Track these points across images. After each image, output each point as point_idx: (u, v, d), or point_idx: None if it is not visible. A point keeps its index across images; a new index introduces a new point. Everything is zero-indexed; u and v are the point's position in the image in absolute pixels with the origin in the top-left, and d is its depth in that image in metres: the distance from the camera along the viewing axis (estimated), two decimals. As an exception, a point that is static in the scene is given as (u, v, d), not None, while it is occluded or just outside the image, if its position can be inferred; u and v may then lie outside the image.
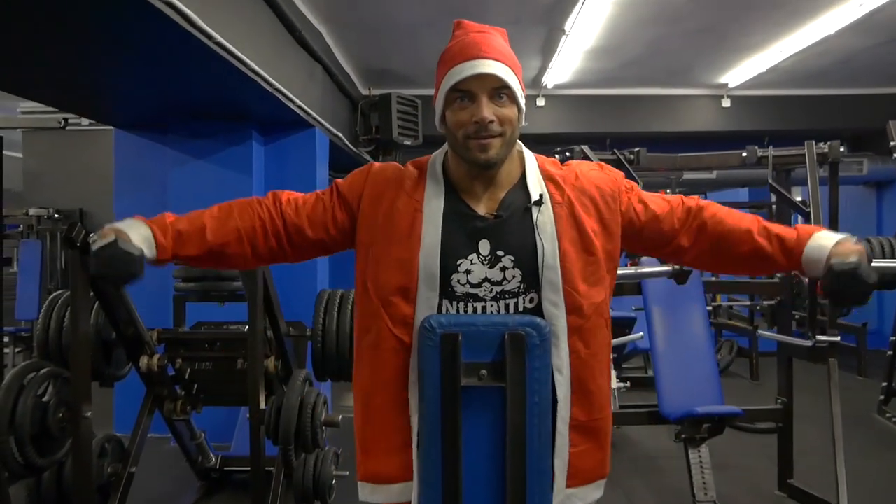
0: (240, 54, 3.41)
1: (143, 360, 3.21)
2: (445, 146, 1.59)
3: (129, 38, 3.15)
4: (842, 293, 1.45)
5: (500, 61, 1.45)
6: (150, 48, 3.30)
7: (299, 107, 4.68)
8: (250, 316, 3.05)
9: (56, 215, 7.75)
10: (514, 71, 1.47)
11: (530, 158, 1.58)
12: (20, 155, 8.03)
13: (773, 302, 6.79)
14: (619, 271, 3.41)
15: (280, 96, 4.24)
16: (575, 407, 1.49)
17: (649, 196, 1.63)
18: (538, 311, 1.48)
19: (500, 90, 1.45)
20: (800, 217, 3.90)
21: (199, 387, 3.51)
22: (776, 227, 1.57)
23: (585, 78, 7.45)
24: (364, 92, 7.39)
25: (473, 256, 1.48)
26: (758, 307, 7.36)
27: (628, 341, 3.92)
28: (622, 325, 4.50)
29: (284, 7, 4.15)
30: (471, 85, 1.44)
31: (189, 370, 3.43)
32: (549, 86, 7.61)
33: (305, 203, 1.60)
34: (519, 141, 1.57)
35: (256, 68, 3.65)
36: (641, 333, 3.94)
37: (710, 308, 6.25)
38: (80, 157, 7.76)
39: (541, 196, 1.51)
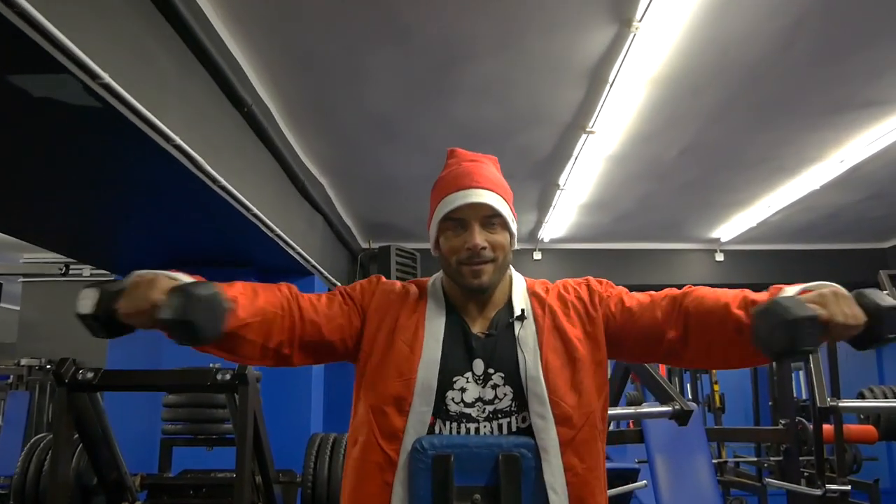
0: (242, 198, 3.51)
1: (124, 508, 3.07)
2: (441, 272, 1.61)
3: (137, 181, 3.27)
4: (763, 333, 1.22)
5: (492, 190, 1.50)
6: (156, 191, 3.40)
7: (299, 253, 4.76)
8: (238, 459, 2.94)
9: (48, 366, 7.63)
10: (504, 198, 1.52)
11: (518, 279, 1.61)
12: (17, 307, 8.06)
13: (780, 458, 6.58)
14: (618, 410, 3.36)
15: (280, 242, 4.32)
16: None
17: (631, 294, 1.56)
18: (530, 431, 1.43)
19: (491, 218, 1.49)
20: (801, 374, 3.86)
21: (181, 537, 3.33)
22: (756, 296, 1.37)
23: (581, 232, 7.63)
24: (364, 245, 7.54)
25: (469, 375, 1.47)
26: (765, 465, 7.14)
27: (632, 489, 3.77)
28: (625, 477, 4.33)
29: (288, 157, 4.32)
30: (463, 213, 1.49)
31: (171, 519, 3.27)
32: (546, 240, 7.77)
33: (320, 301, 1.51)
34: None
35: (258, 213, 3.75)
36: (645, 482, 3.81)
37: (715, 462, 6.06)
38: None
39: (522, 311, 1.52)
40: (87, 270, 7.31)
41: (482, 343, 1.49)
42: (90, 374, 2.72)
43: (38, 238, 4.63)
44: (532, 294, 1.57)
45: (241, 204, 3.57)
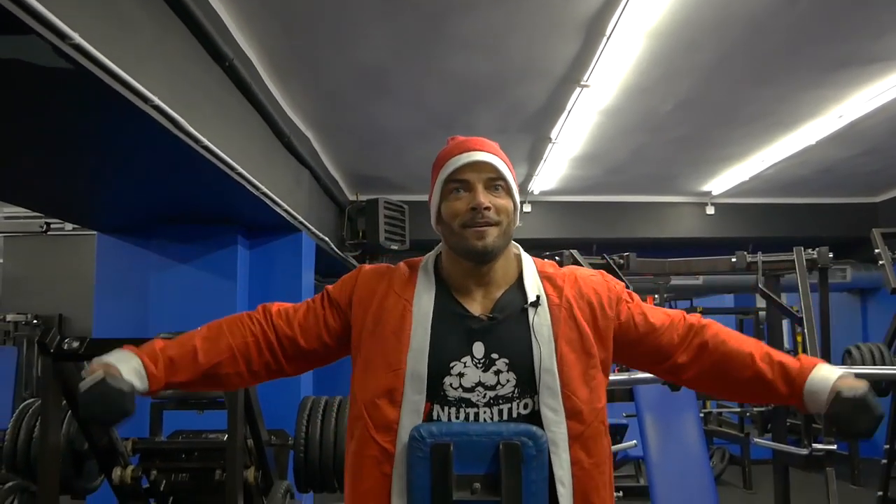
0: (226, 157, 3.40)
1: (117, 472, 3.05)
2: (438, 248, 1.56)
3: (115, 143, 3.15)
4: (851, 421, 1.39)
5: (495, 154, 1.47)
6: (136, 152, 3.29)
7: (286, 210, 4.67)
8: (230, 424, 2.90)
9: (35, 321, 7.57)
10: (508, 166, 1.48)
11: (528, 260, 1.56)
12: (0, 260, 7.95)
13: (762, 408, 6.68)
14: (612, 377, 3.33)
15: (266, 199, 4.22)
16: None
17: (650, 308, 1.58)
18: (532, 417, 1.41)
19: (495, 181, 1.45)
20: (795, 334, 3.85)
21: (174, 499, 3.31)
22: (779, 355, 1.50)
23: (572, 185, 7.55)
24: (351, 197, 7.44)
25: (467, 359, 1.42)
26: (748, 414, 7.29)
27: (621, 449, 3.79)
28: (613, 433, 4.37)
29: (272, 111, 4.19)
30: (466, 174, 1.44)
31: (165, 482, 3.24)
32: (536, 192, 7.69)
33: (296, 312, 1.55)
34: (517, 244, 1.57)
35: (243, 171, 3.65)
36: (635, 441, 3.83)
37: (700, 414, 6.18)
38: (62, 262, 7.68)
39: (537, 297, 1.47)
40: (69, 226, 7.19)
41: (484, 326, 1.44)
42: (76, 344, 2.65)
43: (13, 197, 4.50)
44: (545, 278, 1.52)
45: (226, 164, 3.47)
